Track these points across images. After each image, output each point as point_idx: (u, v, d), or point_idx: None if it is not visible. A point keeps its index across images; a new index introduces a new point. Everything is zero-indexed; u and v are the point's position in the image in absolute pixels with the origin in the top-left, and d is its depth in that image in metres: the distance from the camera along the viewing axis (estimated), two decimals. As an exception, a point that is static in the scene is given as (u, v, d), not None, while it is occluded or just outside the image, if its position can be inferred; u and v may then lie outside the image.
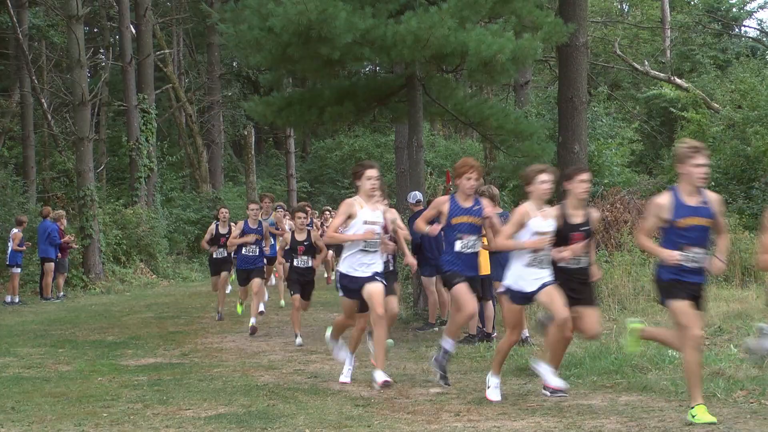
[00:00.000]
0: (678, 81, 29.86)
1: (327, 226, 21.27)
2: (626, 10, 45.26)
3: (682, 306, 7.27)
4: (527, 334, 11.87)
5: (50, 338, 14.22)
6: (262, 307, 15.82)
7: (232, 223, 16.50)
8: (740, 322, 11.69)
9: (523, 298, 8.43)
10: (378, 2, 13.02)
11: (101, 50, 40.15)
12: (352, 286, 9.31)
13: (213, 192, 36.02)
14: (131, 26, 31.39)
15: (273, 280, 20.20)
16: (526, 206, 8.48)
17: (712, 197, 7.47)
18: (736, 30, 42.75)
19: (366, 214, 9.23)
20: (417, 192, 14.38)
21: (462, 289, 8.93)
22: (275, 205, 18.63)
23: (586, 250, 8.50)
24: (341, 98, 14.96)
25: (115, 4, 33.12)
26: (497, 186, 17.65)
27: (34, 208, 25.65)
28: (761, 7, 44.61)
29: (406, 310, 15.07)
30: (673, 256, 7.24)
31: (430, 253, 13.28)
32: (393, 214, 10.82)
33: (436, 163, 38.50)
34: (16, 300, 20.51)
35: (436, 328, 13.73)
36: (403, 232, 10.71)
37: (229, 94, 42.78)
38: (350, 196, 9.58)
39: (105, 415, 8.16)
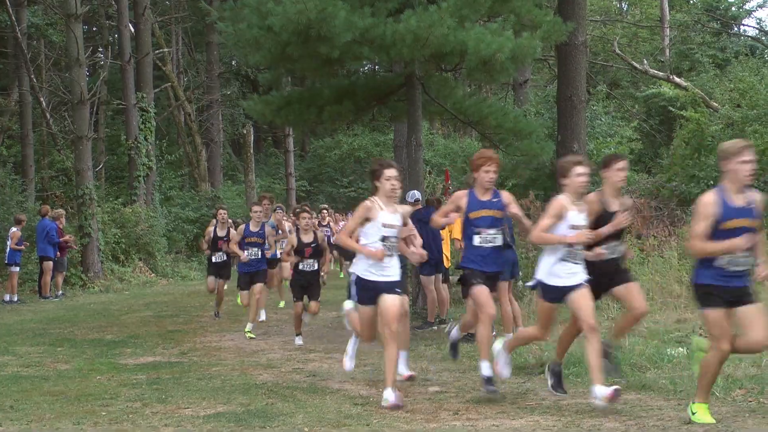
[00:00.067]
0: (677, 80, 29.83)
1: (325, 226, 21.31)
2: (625, 8, 45.30)
3: (715, 316, 6.99)
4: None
5: (49, 337, 14.22)
6: (263, 316, 15.66)
7: (232, 227, 16.37)
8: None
9: (556, 294, 8.08)
10: (377, 1, 13.01)
11: (100, 49, 40.16)
12: (368, 292, 8.62)
13: (212, 191, 36.01)
14: (130, 25, 31.36)
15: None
16: (562, 199, 8.14)
17: (757, 198, 7.12)
18: (735, 29, 42.74)
19: (385, 217, 8.64)
20: (416, 191, 14.37)
21: (479, 292, 8.65)
22: (274, 206, 18.54)
23: (620, 240, 8.43)
24: (340, 97, 14.95)
25: (113, 2, 33.12)
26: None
27: (33, 206, 25.63)
28: (760, 6, 44.77)
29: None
30: (737, 244, 6.84)
31: (429, 252, 13.26)
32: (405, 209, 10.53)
33: (435, 161, 38.50)
34: (15, 299, 20.50)
35: (435, 327, 13.74)
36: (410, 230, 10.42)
37: (228, 92, 42.76)
38: (365, 197, 9.12)
39: (104, 413, 8.16)
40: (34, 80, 30.58)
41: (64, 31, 26.98)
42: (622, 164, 8.44)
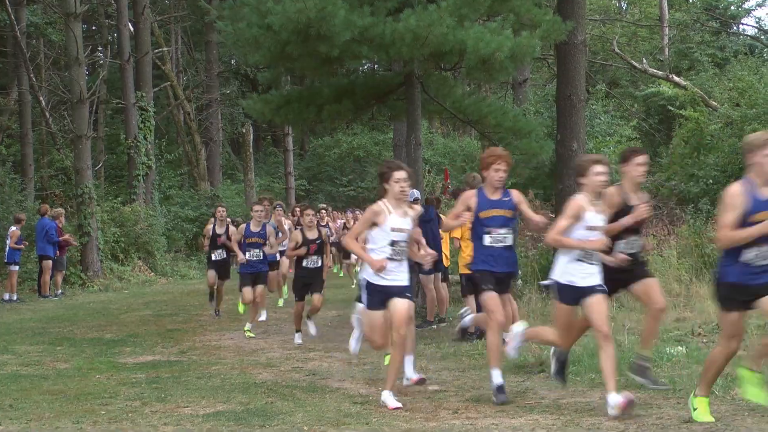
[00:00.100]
0: (676, 79, 29.85)
1: (324, 226, 21.27)
2: (624, 8, 45.30)
3: (733, 318, 6.91)
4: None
5: (48, 336, 14.22)
6: (263, 316, 15.60)
7: (232, 225, 16.37)
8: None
9: (573, 295, 7.80)
10: (376, 0, 13.02)
11: (99, 48, 40.16)
12: (378, 296, 8.35)
13: (211, 190, 36.02)
14: (129, 24, 31.36)
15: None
16: (580, 199, 7.89)
17: None
18: (734, 28, 42.80)
19: (394, 220, 8.35)
20: (415, 190, 14.34)
21: (488, 298, 8.52)
22: (274, 204, 18.49)
23: (639, 235, 8.32)
24: (340, 96, 14.95)
25: (113, 1, 33.11)
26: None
27: (32, 205, 25.63)
28: (759, 5, 44.74)
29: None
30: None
31: (428, 251, 13.26)
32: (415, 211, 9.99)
33: (435, 160, 38.52)
34: (14, 298, 20.50)
35: (435, 326, 13.74)
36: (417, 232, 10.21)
37: (228, 91, 42.76)
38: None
39: (103, 412, 8.16)
40: (34, 79, 30.58)
41: (64, 30, 26.97)
42: (641, 159, 8.30)
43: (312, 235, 12.67)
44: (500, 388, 8.29)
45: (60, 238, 21.55)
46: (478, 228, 8.62)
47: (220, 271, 16.32)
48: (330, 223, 24.58)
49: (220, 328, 14.91)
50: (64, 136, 32.56)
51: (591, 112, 23.81)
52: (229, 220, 17.10)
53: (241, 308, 15.47)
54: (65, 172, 31.74)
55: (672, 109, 27.69)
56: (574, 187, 15.53)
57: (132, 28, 31.81)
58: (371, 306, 8.43)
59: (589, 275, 7.81)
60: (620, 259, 7.99)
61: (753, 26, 44.04)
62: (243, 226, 14.53)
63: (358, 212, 29.29)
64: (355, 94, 15.15)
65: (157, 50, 35.34)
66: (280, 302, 18.13)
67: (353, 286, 21.97)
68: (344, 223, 25.28)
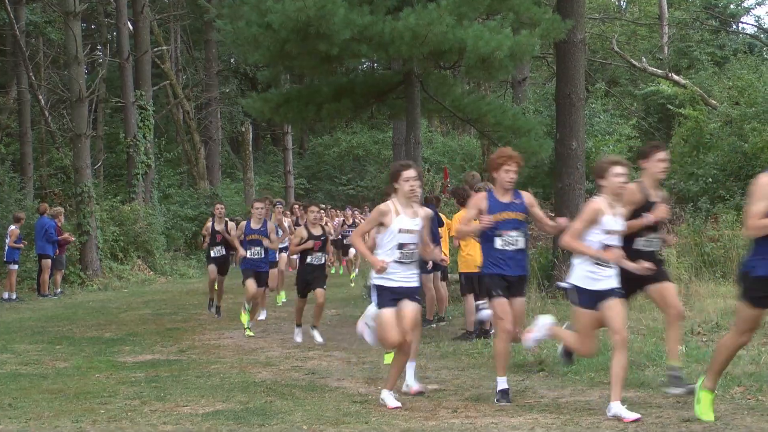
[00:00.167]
0: (675, 77, 29.88)
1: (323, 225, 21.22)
2: (624, 6, 45.30)
3: (754, 314, 6.86)
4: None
5: (47, 335, 14.21)
6: (263, 315, 15.58)
7: (232, 222, 16.34)
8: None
9: (591, 299, 7.59)
10: (376, -2, 13.04)
11: (98, 47, 40.14)
12: (388, 294, 8.16)
13: (210, 189, 36.03)
14: (129, 23, 31.37)
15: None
16: (598, 202, 7.65)
17: None
18: (734, 27, 42.80)
19: (402, 221, 8.16)
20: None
21: (497, 305, 8.31)
22: (274, 202, 18.41)
23: (658, 232, 8.19)
24: (339, 95, 14.95)
25: (112, 0, 33.10)
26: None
27: (32, 204, 25.62)
28: (759, 4, 44.70)
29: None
30: None
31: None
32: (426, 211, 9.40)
33: (434, 159, 38.53)
34: (14, 297, 20.49)
35: (434, 325, 13.74)
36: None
37: (227, 90, 42.76)
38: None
39: (102, 411, 8.15)
40: (33, 78, 30.58)
41: (63, 29, 26.95)
42: (662, 155, 8.16)
43: (317, 231, 12.62)
44: (505, 393, 8.22)
45: (59, 237, 21.54)
46: (489, 231, 8.34)
47: (219, 268, 16.28)
48: (329, 222, 24.59)
49: (220, 327, 14.91)
50: (63, 135, 32.56)
51: (590, 111, 23.81)
52: (227, 219, 17.07)
53: (244, 320, 14.30)
54: (64, 170, 31.74)
55: (671, 107, 27.70)
56: (574, 185, 15.70)
57: (131, 27, 31.81)
58: (382, 304, 8.21)
59: (607, 278, 7.60)
60: (643, 267, 7.70)
61: (752, 25, 44.06)
62: (243, 223, 14.39)
63: (357, 211, 29.36)
64: (354, 93, 15.15)
65: (156, 49, 35.34)
66: (279, 301, 18.09)
67: (352, 285, 21.99)
68: (343, 221, 25.30)
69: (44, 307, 18.98)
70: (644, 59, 32.11)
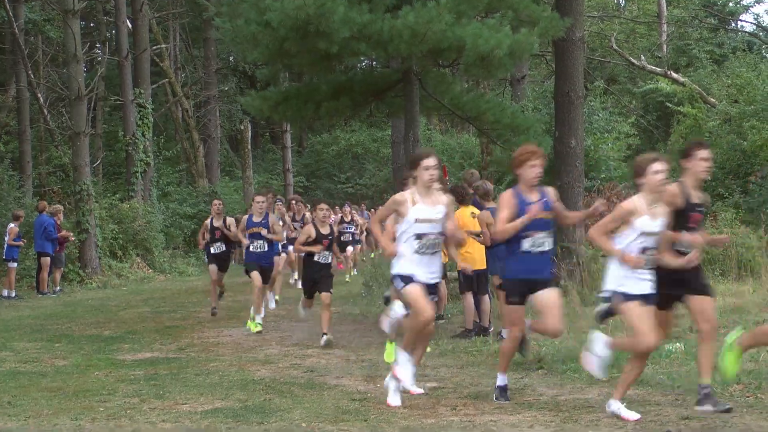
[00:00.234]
0: (674, 75, 29.86)
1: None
2: (623, 4, 45.25)
3: None
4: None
5: (47, 333, 14.22)
6: (272, 304, 15.53)
7: (231, 218, 16.14)
8: (737, 316, 11.69)
9: (635, 298, 7.23)
10: (375, -3, 13.05)
11: (97, 45, 40.09)
12: (408, 279, 8.02)
13: (209, 187, 36.02)
14: (128, 21, 31.35)
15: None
16: (635, 201, 7.33)
17: None
18: (733, 25, 42.80)
19: (419, 211, 7.98)
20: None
21: (512, 311, 8.07)
22: (274, 199, 18.28)
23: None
24: (338, 93, 14.96)
25: (111, -2, 33.10)
26: (493, 181, 17.66)
27: (31, 202, 25.60)
28: (757, 2, 44.68)
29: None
30: None
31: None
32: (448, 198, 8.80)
33: (433, 157, 38.43)
34: (13, 294, 20.49)
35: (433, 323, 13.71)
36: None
37: (226, 88, 42.73)
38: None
39: (101, 409, 8.16)
40: (32, 76, 30.53)
41: (62, 27, 26.94)
42: (705, 153, 7.62)
43: (325, 230, 12.40)
44: (503, 390, 8.19)
45: (58, 235, 21.54)
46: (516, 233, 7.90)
47: (220, 264, 15.83)
48: (314, 215, 24.54)
49: (218, 325, 14.90)
50: (62, 133, 32.52)
51: (589, 109, 23.79)
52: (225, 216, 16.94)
53: (252, 327, 13.96)
54: (63, 169, 31.70)
55: (670, 105, 27.71)
56: (573, 183, 15.71)
57: (130, 25, 31.79)
58: (406, 282, 8.03)
59: (642, 281, 7.25)
60: (687, 259, 7.35)
61: (751, 23, 44.01)
62: (245, 217, 14.31)
63: (354, 209, 29.37)
64: (353, 91, 15.17)
65: (155, 47, 35.31)
66: (277, 297, 18.02)
67: (347, 280, 22.00)
68: (341, 217, 25.30)
69: (43, 305, 18.98)
70: (643, 57, 32.09)
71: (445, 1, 12.67)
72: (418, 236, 8.00)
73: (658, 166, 7.30)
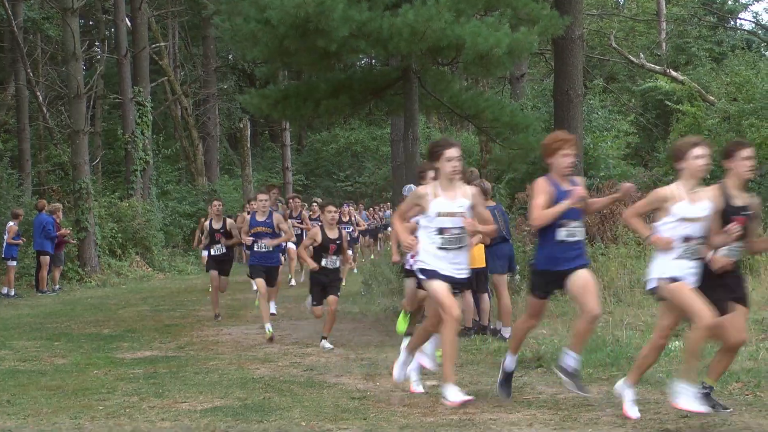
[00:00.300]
0: (673, 74, 29.87)
1: (315, 219, 21.28)
2: (622, 2, 45.25)
3: None
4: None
5: (46, 331, 14.21)
6: (273, 309, 15.27)
7: (230, 219, 15.67)
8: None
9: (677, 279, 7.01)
10: (374, -5, 13.05)
11: (96, 43, 40.07)
12: (431, 273, 7.82)
13: (209, 185, 36.03)
14: (126, 19, 31.33)
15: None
16: (672, 188, 7.11)
17: None
18: (732, 23, 42.82)
19: (441, 204, 7.71)
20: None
21: (535, 304, 7.88)
22: (279, 194, 18.05)
23: (742, 238, 7.15)
24: (337, 91, 14.96)
25: (110, -4, 33.08)
26: (492, 179, 17.68)
27: (30, 201, 25.60)
28: (756, 0, 44.65)
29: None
30: None
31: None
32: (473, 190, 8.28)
33: (432, 156, 38.40)
34: (12, 293, 20.48)
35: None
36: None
37: (225, 86, 42.73)
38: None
39: (101, 408, 8.16)
40: (31, 74, 30.53)
41: (61, 26, 26.92)
42: (748, 152, 7.24)
43: (333, 234, 11.84)
44: (508, 377, 8.12)
45: (57, 233, 21.54)
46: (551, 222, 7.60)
47: (220, 269, 15.13)
48: (322, 218, 24.43)
49: (218, 323, 14.88)
50: (61, 132, 32.53)
51: (588, 107, 23.82)
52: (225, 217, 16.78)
53: (257, 303, 14.26)
54: (62, 167, 31.71)
55: (669, 103, 27.72)
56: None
57: (129, 23, 31.77)
58: (430, 277, 7.81)
59: (688, 271, 7.04)
60: (720, 263, 7.11)
61: (750, 21, 44.04)
62: (248, 216, 13.78)
63: (353, 208, 29.35)
64: (352, 89, 15.17)
65: (154, 45, 35.29)
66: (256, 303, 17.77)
67: (343, 284, 21.96)
68: (339, 217, 25.26)
69: (42, 304, 18.97)
70: (642, 55, 32.11)
71: (445, 0, 12.67)
72: (440, 231, 7.76)
73: (699, 150, 7.09)
